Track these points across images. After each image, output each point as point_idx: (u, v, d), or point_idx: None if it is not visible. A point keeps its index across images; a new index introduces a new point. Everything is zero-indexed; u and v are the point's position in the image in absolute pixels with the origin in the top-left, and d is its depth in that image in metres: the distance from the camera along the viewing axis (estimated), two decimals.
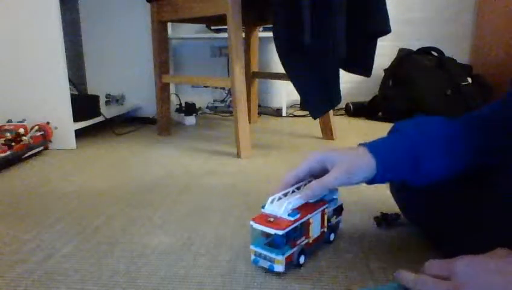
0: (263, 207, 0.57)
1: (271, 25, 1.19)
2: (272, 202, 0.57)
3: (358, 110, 2.11)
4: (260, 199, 0.87)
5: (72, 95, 1.36)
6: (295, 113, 2.17)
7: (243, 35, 1.50)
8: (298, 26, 1.09)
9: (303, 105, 2.22)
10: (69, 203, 0.85)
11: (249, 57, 1.84)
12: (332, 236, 0.65)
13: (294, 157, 1.24)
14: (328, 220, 0.63)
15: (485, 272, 0.40)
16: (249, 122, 1.35)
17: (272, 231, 0.53)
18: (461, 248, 0.55)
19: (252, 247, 0.57)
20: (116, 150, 1.35)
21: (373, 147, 0.55)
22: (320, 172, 0.58)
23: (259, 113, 2.11)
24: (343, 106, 2.18)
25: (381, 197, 0.86)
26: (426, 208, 0.63)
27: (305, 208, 0.58)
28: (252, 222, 0.55)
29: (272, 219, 0.55)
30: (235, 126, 1.26)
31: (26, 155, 1.21)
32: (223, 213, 0.79)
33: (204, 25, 2.17)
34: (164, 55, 1.55)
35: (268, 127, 1.81)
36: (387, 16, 1.23)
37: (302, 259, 0.58)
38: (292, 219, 0.54)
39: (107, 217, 0.78)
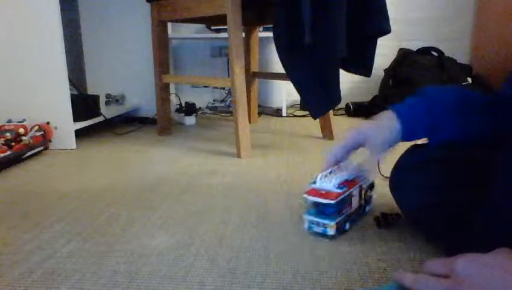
0: (313, 183, 0.68)
1: (271, 25, 1.19)
2: (320, 179, 0.68)
3: (358, 110, 2.11)
4: (260, 198, 0.87)
5: (72, 95, 1.36)
6: (295, 113, 2.17)
7: (243, 35, 1.50)
8: (298, 26, 1.09)
9: (303, 105, 2.22)
10: (69, 203, 0.85)
11: (249, 57, 1.83)
12: (368, 208, 0.76)
13: (294, 157, 1.24)
14: (365, 194, 0.74)
15: (486, 269, 0.40)
16: (249, 122, 1.35)
17: (326, 201, 0.65)
18: (461, 248, 0.54)
19: (305, 216, 0.69)
20: (116, 150, 1.35)
21: (400, 113, 0.64)
22: (358, 148, 0.69)
23: (259, 113, 2.11)
24: (343, 106, 2.18)
25: (381, 197, 0.86)
26: (426, 208, 0.63)
27: (348, 183, 0.69)
28: (305, 195, 0.67)
29: (323, 192, 0.66)
30: (235, 126, 1.26)
31: (26, 155, 1.21)
32: (223, 213, 0.79)
33: (204, 25, 2.17)
34: (164, 55, 1.55)
35: (268, 127, 1.81)
36: (387, 16, 1.23)
37: (347, 226, 0.70)
38: (341, 191, 0.66)
39: (107, 217, 0.78)
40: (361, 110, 2.10)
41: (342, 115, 2.15)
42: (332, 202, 0.64)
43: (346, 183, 0.69)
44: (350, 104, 2.13)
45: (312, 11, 1.08)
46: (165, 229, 0.72)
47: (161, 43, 1.53)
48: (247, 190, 0.93)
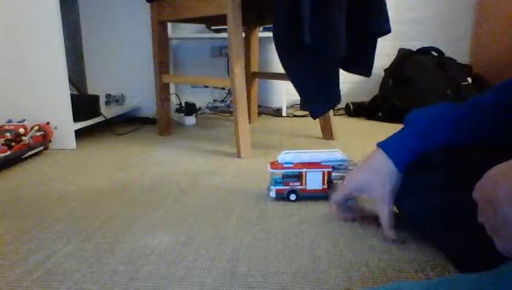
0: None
1: (271, 25, 1.19)
2: (283, 155, 0.84)
3: (358, 110, 2.11)
4: (260, 198, 0.87)
5: (72, 95, 1.36)
6: (295, 113, 2.17)
7: (243, 35, 1.50)
8: (298, 26, 1.09)
9: (303, 105, 2.22)
10: (69, 203, 0.85)
11: (249, 57, 1.83)
12: None
13: None
14: (331, 181, 0.84)
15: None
16: (249, 122, 1.35)
17: (269, 169, 0.84)
18: (463, 250, 0.54)
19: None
20: (116, 150, 1.35)
21: (392, 153, 0.65)
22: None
23: (259, 113, 2.11)
24: (343, 106, 2.18)
25: None
26: (426, 212, 0.63)
27: (306, 164, 0.83)
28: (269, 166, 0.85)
29: (277, 164, 0.84)
30: (235, 126, 1.26)
31: (26, 155, 1.21)
32: (223, 213, 0.79)
33: (204, 25, 2.17)
34: (164, 55, 1.55)
35: (268, 127, 1.81)
36: (387, 16, 1.23)
37: (292, 197, 0.84)
38: (285, 165, 0.83)
39: (107, 217, 0.78)
40: (361, 110, 2.10)
41: (342, 115, 2.15)
42: (271, 170, 0.83)
43: (303, 164, 0.83)
44: (350, 104, 2.13)
45: (312, 11, 1.08)
46: (165, 229, 0.72)
47: (161, 43, 1.53)
48: (247, 189, 0.93)
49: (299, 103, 2.32)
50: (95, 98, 1.61)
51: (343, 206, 0.72)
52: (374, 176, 0.65)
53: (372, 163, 0.66)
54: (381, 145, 0.66)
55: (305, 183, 0.84)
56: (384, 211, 0.65)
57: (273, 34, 1.17)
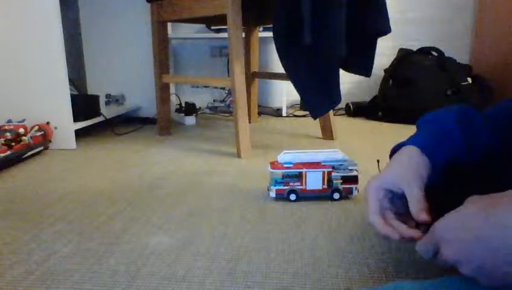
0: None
1: (271, 25, 1.19)
2: (283, 154, 0.85)
3: (358, 110, 2.11)
4: (260, 198, 0.87)
5: (72, 95, 1.36)
6: (295, 113, 2.17)
7: (243, 35, 1.50)
8: (298, 26, 1.09)
9: (303, 105, 2.22)
10: (69, 203, 0.85)
11: (249, 57, 1.83)
12: (336, 195, 0.85)
13: None
14: (331, 181, 0.84)
15: (456, 232, 0.41)
16: (249, 122, 1.35)
17: (269, 169, 0.84)
18: None
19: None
20: (116, 150, 1.35)
21: (419, 142, 0.55)
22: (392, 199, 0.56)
23: (259, 113, 2.11)
24: (343, 106, 2.18)
25: None
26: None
27: (307, 164, 0.84)
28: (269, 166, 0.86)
29: (277, 164, 0.85)
30: (235, 126, 1.26)
31: (26, 155, 1.21)
32: (223, 213, 0.79)
33: (204, 25, 2.17)
34: (164, 55, 1.55)
35: (268, 127, 1.81)
36: (387, 16, 1.23)
37: (292, 197, 0.84)
38: (285, 165, 0.84)
39: (107, 217, 0.78)
40: (361, 110, 2.10)
41: (342, 115, 2.15)
42: (271, 170, 0.84)
43: (303, 164, 0.84)
44: (350, 104, 2.13)
45: (312, 11, 1.08)
46: (165, 229, 0.72)
47: (161, 43, 1.53)
48: (247, 189, 0.93)
49: (299, 103, 2.33)
50: (95, 98, 1.61)
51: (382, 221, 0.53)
52: (400, 169, 0.54)
53: (398, 158, 0.56)
54: (411, 142, 0.57)
55: (305, 183, 0.84)
56: (412, 193, 0.52)
57: (273, 34, 1.17)
